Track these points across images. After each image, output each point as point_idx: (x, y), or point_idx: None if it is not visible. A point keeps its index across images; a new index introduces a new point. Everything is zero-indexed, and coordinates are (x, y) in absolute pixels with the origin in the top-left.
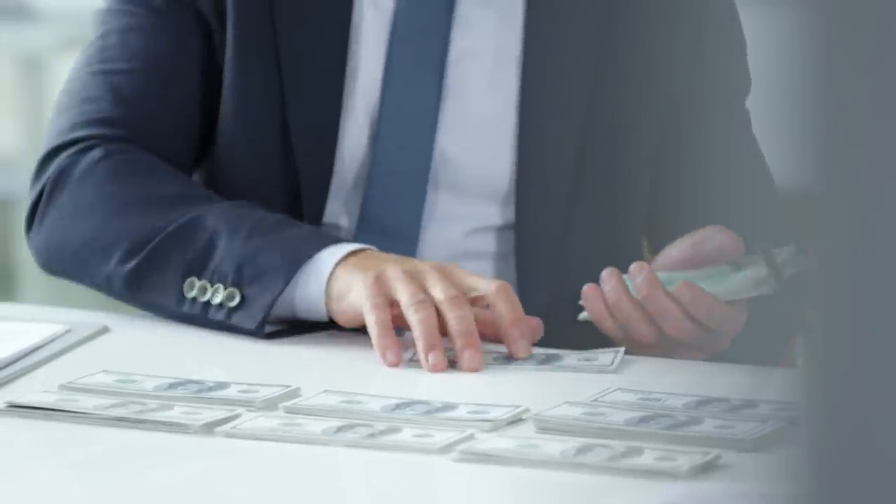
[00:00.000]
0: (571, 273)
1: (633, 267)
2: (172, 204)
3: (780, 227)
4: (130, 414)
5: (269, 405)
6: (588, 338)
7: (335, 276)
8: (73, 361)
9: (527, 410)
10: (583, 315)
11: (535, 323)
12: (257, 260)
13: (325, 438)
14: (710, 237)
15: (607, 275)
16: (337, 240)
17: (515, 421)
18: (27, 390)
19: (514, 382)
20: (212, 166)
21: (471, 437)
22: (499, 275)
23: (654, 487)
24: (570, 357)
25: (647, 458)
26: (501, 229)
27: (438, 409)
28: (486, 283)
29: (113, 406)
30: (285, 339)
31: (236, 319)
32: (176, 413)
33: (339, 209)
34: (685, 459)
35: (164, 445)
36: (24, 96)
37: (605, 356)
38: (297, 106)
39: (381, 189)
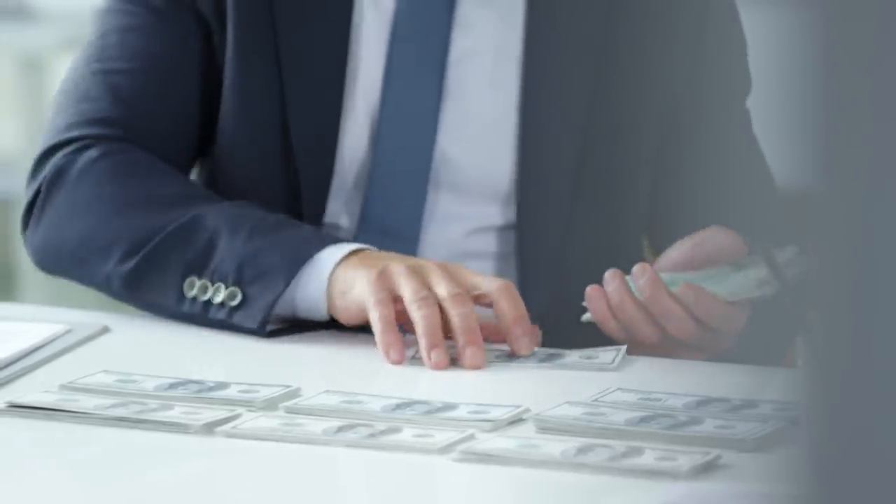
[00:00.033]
0: (572, 273)
1: (637, 268)
2: (172, 204)
3: (781, 228)
4: (131, 414)
5: (270, 405)
6: (589, 338)
7: (336, 276)
8: (74, 361)
9: (527, 410)
10: (586, 316)
11: (534, 329)
12: (258, 260)
13: (326, 438)
14: (711, 238)
15: (610, 276)
16: (337, 240)
17: (516, 421)
18: (27, 390)
19: (514, 382)
20: (212, 166)
21: (471, 437)
22: (499, 275)
23: (655, 487)
24: (572, 355)
25: (648, 458)
26: (502, 229)
27: (439, 409)
28: (489, 282)
29: (113, 406)
30: (286, 339)
31: (238, 319)
32: (176, 413)
33: (339, 209)
34: (686, 459)
35: (165, 445)
36: (24, 96)
37: (606, 354)
38: (298, 106)
39: (382, 189)
